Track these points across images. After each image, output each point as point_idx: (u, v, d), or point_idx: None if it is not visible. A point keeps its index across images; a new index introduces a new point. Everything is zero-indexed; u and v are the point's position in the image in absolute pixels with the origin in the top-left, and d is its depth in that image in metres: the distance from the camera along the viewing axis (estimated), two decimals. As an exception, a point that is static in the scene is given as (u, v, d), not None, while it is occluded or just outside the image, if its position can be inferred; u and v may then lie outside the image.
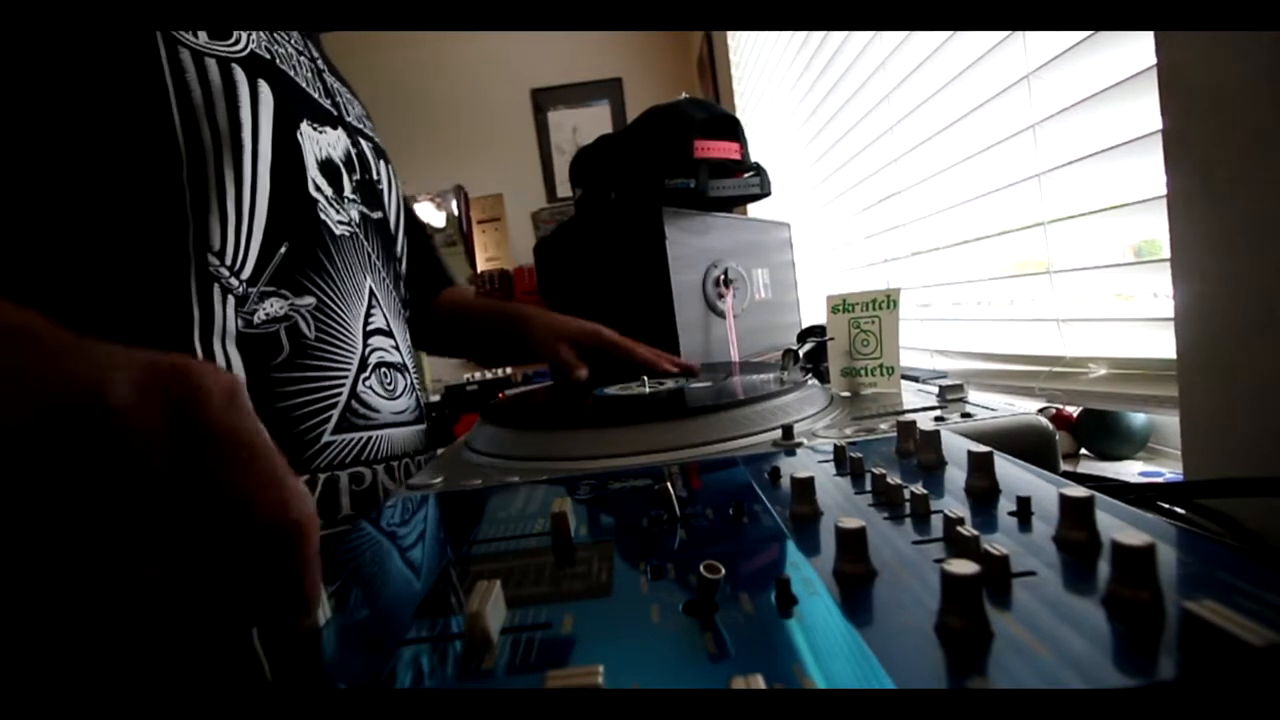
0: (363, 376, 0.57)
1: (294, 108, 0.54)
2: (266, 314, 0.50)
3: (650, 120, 0.93)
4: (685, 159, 0.88)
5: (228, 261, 0.48)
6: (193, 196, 0.46)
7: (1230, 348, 0.39)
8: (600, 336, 0.74)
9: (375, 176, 0.67)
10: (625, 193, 0.92)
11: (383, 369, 0.60)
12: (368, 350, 0.58)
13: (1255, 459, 0.38)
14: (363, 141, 0.66)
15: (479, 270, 2.70)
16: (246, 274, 0.50)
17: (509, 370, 2.12)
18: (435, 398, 1.98)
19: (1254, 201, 0.37)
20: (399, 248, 0.71)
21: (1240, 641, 0.14)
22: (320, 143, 0.58)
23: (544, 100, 2.82)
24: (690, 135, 0.89)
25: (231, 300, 0.48)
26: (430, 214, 2.66)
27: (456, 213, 2.67)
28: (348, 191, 0.60)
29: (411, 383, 0.65)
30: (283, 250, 0.52)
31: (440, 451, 0.57)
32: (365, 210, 0.63)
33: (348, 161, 0.62)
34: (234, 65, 0.49)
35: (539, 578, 0.25)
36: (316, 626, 0.22)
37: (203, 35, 0.48)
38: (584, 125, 2.79)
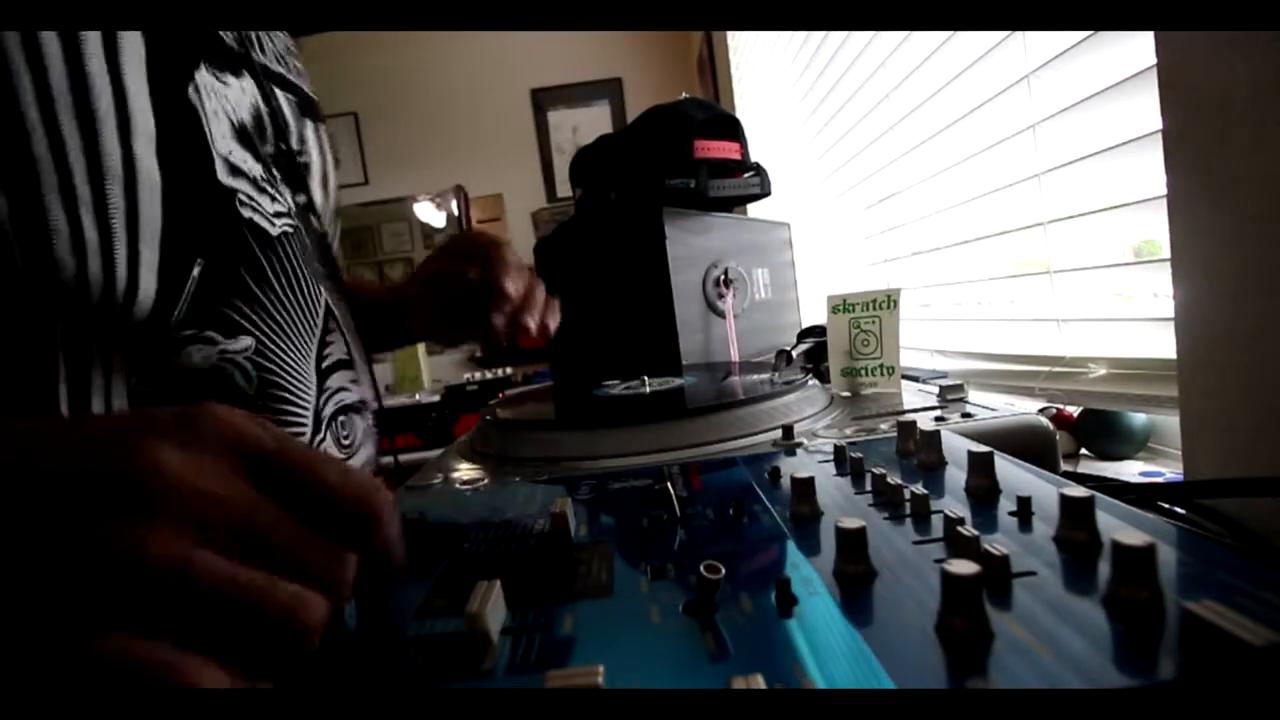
0: (318, 439, 0.44)
1: (183, 49, 0.37)
2: (188, 370, 0.36)
3: (650, 120, 0.93)
4: (685, 159, 0.88)
5: (95, 296, 0.32)
6: (11, 201, 0.30)
7: (1230, 348, 0.39)
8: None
9: (297, 146, 0.48)
10: (625, 193, 0.92)
11: (340, 419, 0.47)
12: (324, 399, 0.45)
13: (1255, 459, 0.38)
14: (281, 95, 0.47)
15: (479, 270, 2.69)
16: (141, 313, 0.34)
17: (509, 370, 2.12)
18: (435, 398, 1.98)
19: (1254, 201, 0.37)
20: (335, 241, 0.54)
21: (1240, 641, 0.14)
22: (230, 98, 0.40)
23: (544, 100, 2.82)
24: (690, 135, 0.89)
25: (115, 359, 0.34)
26: (430, 214, 2.66)
27: (456, 213, 2.67)
28: (272, 168, 0.44)
29: (371, 423, 0.52)
30: (196, 273, 0.36)
31: (440, 451, 0.57)
32: (291, 195, 0.46)
33: (258, 124, 0.43)
34: None
35: (539, 578, 0.25)
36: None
37: None
38: (584, 125, 2.79)
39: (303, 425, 0.43)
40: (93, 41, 0.33)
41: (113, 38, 0.33)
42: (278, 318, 0.41)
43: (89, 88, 0.32)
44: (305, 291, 0.44)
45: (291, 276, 0.43)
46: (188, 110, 0.37)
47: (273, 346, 0.41)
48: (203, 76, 0.38)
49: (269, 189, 0.42)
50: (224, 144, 0.39)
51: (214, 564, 0.18)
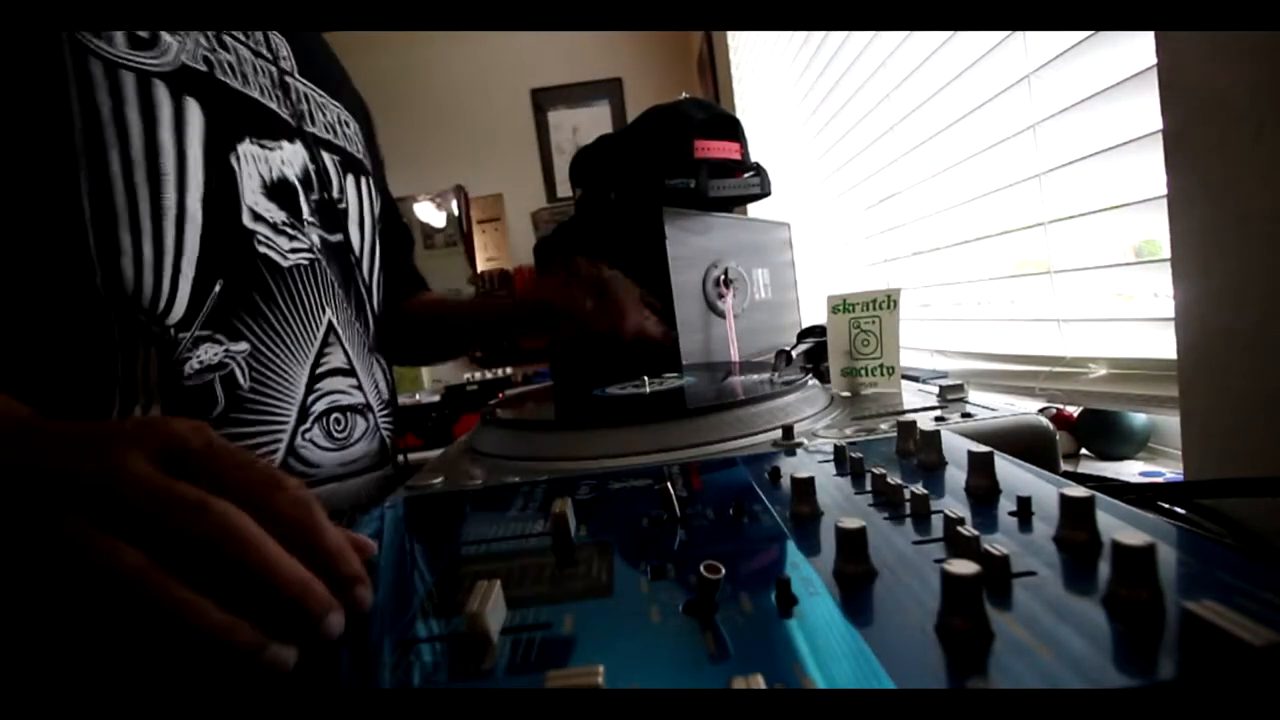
0: (302, 429, 0.52)
1: (232, 126, 0.49)
2: (200, 362, 0.46)
3: (650, 120, 0.93)
4: (685, 159, 0.88)
5: (145, 304, 0.43)
6: (97, 235, 0.41)
7: (1230, 348, 0.39)
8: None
9: (336, 195, 0.60)
10: (625, 193, 0.92)
11: (333, 415, 0.56)
12: (312, 397, 0.54)
13: (1255, 459, 0.38)
14: (326, 155, 0.60)
15: (479, 270, 2.70)
16: (176, 317, 0.45)
17: (509, 370, 2.12)
18: (435, 398, 1.97)
19: (1254, 201, 0.37)
20: (367, 272, 0.65)
21: (1240, 641, 0.14)
22: (270, 161, 0.52)
23: (544, 100, 2.81)
24: (690, 135, 0.89)
25: (154, 352, 0.44)
26: (430, 214, 2.66)
27: (456, 213, 2.67)
28: (306, 214, 0.55)
29: (375, 424, 0.61)
30: (217, 289, 0.47)
31: (440, 451, 0.57)
32: (324, 234, 0.58)
33: (305, 179, 0.56)
34: (155, 80, 0.43)
35: (539, 578, 0.25)
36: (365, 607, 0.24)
37: (120, 42, 0.42)
38: (584, 125, 2.78)
39: (287, 414, 0.52)
40: (165, 119, 0.44)
41: (181, 116, 0.45)
42: (278, 329, 0.51)
43: (159, 153, 0.44)
44: (308, 310, 0.54)
45: (298, 298, 0.53)
46: (228, 171, 0.48)
47: (264, 351, 0.50)
48: (245, 146, 0.50)
49: (288, 231, 0.53)
50: (251, 197, 0.50)
51: (167, 585, 0.20)
